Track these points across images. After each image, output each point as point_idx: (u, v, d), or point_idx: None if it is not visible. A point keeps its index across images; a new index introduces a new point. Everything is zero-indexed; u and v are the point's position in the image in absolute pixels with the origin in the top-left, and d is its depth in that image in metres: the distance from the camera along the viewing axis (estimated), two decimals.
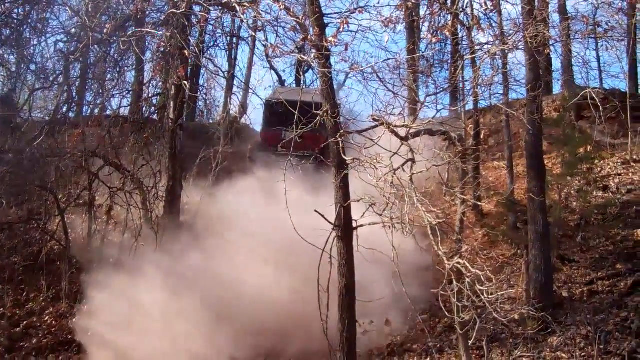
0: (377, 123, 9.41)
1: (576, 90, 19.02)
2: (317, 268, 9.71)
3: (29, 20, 16.62)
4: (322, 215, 9.62)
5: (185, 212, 17.26)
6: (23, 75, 17.49)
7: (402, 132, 9.50)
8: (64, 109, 17.43)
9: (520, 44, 12.10)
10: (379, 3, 14.39)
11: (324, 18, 9.87)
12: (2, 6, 16.27)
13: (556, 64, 24.40)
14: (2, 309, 14.59)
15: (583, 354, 12.12)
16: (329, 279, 9.64)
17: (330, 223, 9.68)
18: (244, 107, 25.40)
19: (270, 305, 12.95)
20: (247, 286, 13.21)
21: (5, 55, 17.42)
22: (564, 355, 12.25)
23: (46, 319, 14.61)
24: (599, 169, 18.29)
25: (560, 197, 16.41)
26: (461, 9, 13.50)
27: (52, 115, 16.95)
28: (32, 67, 17.24)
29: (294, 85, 26.86)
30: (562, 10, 20.55)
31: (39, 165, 16.14)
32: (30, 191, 16.71)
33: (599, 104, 14.05)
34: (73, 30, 17.02)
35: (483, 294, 8.44)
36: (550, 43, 15.80)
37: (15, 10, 16.64)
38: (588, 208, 16.31)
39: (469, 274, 8.53)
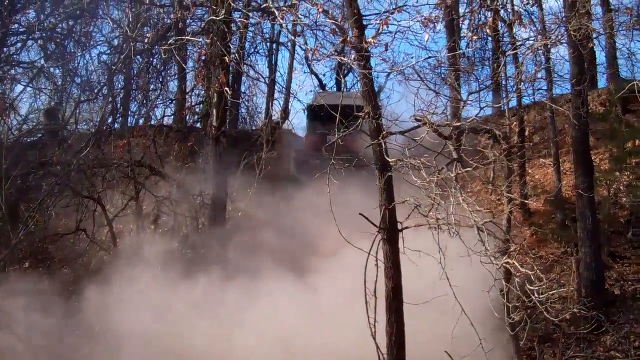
0: (419, 123, 9.31)
1: (622, 83, 18.64)
2: (364, 271, 9.61)
3: (73, 34, 16.93)
4: (367, 218, 9.53)
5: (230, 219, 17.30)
6: (68, 88, 17.80)
7: (446, 131, 9.39)
8: (109, 120, 17.79)
9: (562, 38, 11.91)
10: (417, 2, 14.30)
11: (363, 19, 9.81)
12: (47, 21, 16.59)
13: (600, 57, 23.97)
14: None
15: (638, 353, 11.89)
16: (376, 282, 9.53)
17: (375, 226, 9.59)
18: (285, 112, 25.48)
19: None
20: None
21: (51, 69, 17.77)
22: (617, 354, 12.04)
23: None
24: None
25: (609, 192, 16.13)
26: (501, 5, 13.37)
27: (98, 127, 17.23)
28: (77, 79, 17.56)
29: (335, 89, 26.81)
30: (605, 2, 20.23)
31: (86, 176, 16.40)
32: (78, 202, 16.97)
33: None
34: (116, 41, 17.30)
35: (533, 294, 8.29)
36: (594, 36, 15.54)
37: (60, 25, 16.96)
38: (638, 203, 15.99)
39: (518, 274, 8.39)
